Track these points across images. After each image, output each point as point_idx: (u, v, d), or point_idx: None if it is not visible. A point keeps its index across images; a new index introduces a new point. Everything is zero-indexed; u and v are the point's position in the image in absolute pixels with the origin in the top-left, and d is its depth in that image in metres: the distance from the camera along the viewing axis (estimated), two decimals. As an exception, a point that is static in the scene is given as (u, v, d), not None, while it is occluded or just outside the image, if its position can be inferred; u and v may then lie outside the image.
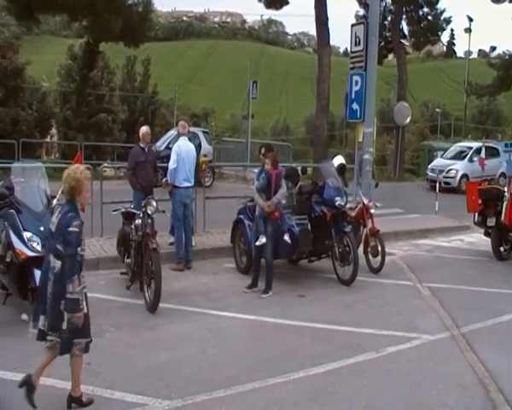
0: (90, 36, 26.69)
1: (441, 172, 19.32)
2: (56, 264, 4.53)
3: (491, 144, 22.75)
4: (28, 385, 4.49)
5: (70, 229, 4.44)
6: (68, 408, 4.61)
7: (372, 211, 9.58)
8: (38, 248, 6.15)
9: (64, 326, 4.52)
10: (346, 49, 14.06)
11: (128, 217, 8.02)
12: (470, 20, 44.96)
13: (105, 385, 4.95)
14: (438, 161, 23.42)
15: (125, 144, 29.67)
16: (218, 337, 6.26)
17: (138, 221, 7.43)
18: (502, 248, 10.83)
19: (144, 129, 9.89)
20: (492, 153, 20.89)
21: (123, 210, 8.19)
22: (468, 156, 22.07)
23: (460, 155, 22.96)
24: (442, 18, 33.43)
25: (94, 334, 6.08)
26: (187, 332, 6.40)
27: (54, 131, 34.15)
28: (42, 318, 4.62)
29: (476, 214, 11.27)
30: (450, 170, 21.43)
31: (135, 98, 40.02)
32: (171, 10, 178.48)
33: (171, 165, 9.08)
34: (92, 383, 4.96)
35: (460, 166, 21.58)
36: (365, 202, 9.62)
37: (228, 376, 5.24)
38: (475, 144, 23.48)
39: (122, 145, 29.88)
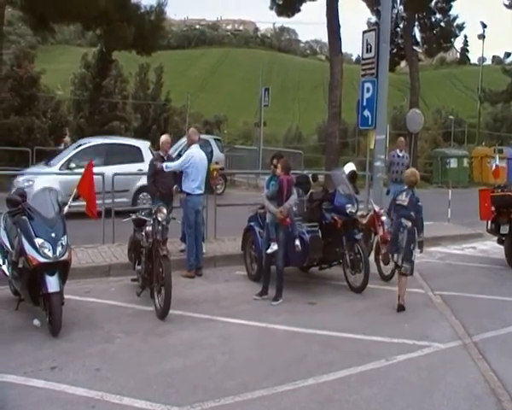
0: (104, 44, 26.94)
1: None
2: (408, 223, 7.63)
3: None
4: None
5: (419, 204, 7.73)
6: None
7: (383, 218, 9.53)
8: (50, 254, 6.20)
9: (413, 258, 7.72)
10: (359, 56, 14.09)
11: (139, 224, 8.05)
12: (484, 26, 44.74)
13: (114, 391, 4.96)
14: None
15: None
16: (228, 345, 6.26)
17: (149, 228, 7.46)
18: (515, 256, 10.72)
19: (163, 138, 10.00)
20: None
21: (134, 217, 8.22)
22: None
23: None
24: (455, 24, 33.27)
25: (104, 340, 6.19)
26: (197, 339, 6.40)
27: (67, 138, 34.39)
28: (395, 255, 7.78)
29: (489, 222, 11.17)
30: None
31: (147, 106, 40.21)
32: (184, 19, 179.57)
33: (177, 165, 9.15)
34: (101, 388, 4.98)
35: None
36: (376, 209, 9.59)
37: (237, 383, 5.23)
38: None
39: (135, 153, 30.04)
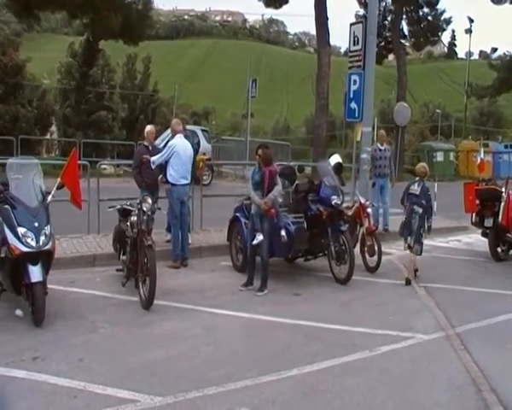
0: (90, 33, 26.75)
1: None
2: (419, 210, 8.72)
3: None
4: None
5: (429, 193, 8.96)
6: None
7: (369, 210, 9.58)
8: (33, 243, 6.14)
9: (422, 240, 8.88)
10: (347, 48, 14.05)
11: (124, 214, 8.01)
12: (471, 21, 44.97)
13: (97, 381, 4.93)
14: None
15: (124, 142, 29.66)
16: (212, 335, 6.26)
17: (134, 218, 7.42)
18: (499, 249, 10.81)
19: (148, 128, 9.97)
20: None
21: (119, 207, 8.17)
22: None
23: None
24: (442, 18, 33.46)
25: (88, 330, 6.16)
26: (181, 330, 6.39)
27: (53, 128, 34.12)
28: (408, 238, 8.84)
29: (474, 215, 11.24)
30: None
31: (135, 96, 39.92)
32: (173, 9, 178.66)
33: (160, 158, 9.10)
34: (84, 378, 4.96)
35: None
36: (362, 201, 9.62)
37: (221, 373, 5.23)
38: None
39: (122, 143, 29.88)
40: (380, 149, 12.40)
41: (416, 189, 8.95)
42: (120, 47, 28.84)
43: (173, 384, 4.97)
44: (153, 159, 9.15)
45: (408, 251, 9.04)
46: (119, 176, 20.85)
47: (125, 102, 38.43)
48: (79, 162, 10.71)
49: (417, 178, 9.10)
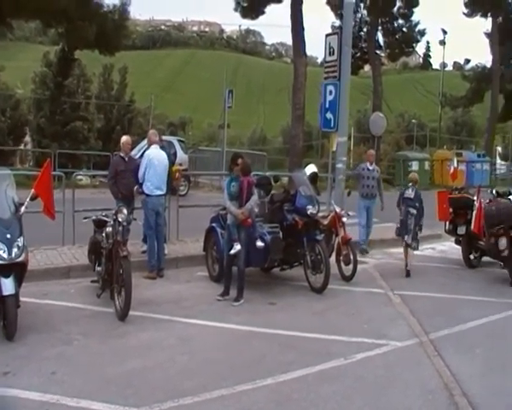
0: (65, 43, 26.54)
1: None
2: (414, 211, 9.99)
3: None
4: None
5: (421, 197, 10.21)
6: None
7: (344, 219, 9.66)
8: (5, 255, 6.07)
9: (418, 237, 10.21)
10: (323, 59, 14.21)
11: (99, 225, 7.96)
12: (444, 32, 45.91)
13: (71, 394, 4.88)
14: None
15: (100, 153, 29.46)
16: (188, 345, 6.25)
17: (109, 229, 7.38)
18: (471, 256, 11.01)
19: (124, 139, 9.96)
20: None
21: (94, 218, 8.13)
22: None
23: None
24: (417, 30, 34.10)
25: (61, 343, 6.09)
26: (157, 340, 6.36)
27: (28, 138, 33.75)
28: (406, 236, 10.04)
29: (447, 223, 11.43)
30: None
31: (111, 107, 39.73)
32: (149, 19, 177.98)
33: (141, 172, 9.09)
34: (57, 392, 4.90)
35: None
36: (337, 210, 9.71)
37: (196, 383, 5.22)
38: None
39: (98, 154, 29.66)
40: (368, 169, 11.92)
41: (410, 193, 10.26)
42: (96, 57, 28.70)
43: (148, 395, 4.94)
44: (140, 176, 9.12)
45: (402, 249, 10.38)
46: (95, 187, 20.69)
47: (100, 112, 38.22)
48: (54, 173, 10.65)
49: (410, 184, 10.44)
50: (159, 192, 9.16)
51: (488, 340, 6.84)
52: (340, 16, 29.82)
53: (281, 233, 8.74)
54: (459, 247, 11.27)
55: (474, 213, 10.26)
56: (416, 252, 10.68)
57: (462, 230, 10.93)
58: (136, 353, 5.96)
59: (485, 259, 10.77)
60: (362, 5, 32.25)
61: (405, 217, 10.17)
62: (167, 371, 5.50)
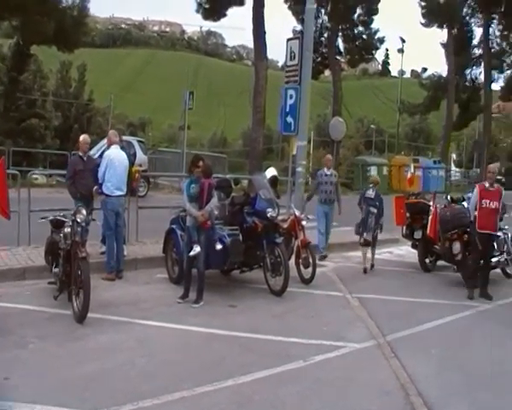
0: (20, 37, 25.88)
1: None
2: (374, 210, 10.60)
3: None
4: None
5: (381, 197, 10.93)
6: None
7: (304, 223, 9.75)
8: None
9: (377, 235, 11.04)
10: (284, 63, 14.32)
11: (57, 225, 7.80)
12: (403, 41, 46.96)
13: (25, 399, 4.75)
14: None
15: (57, 151, 28.87)
16: (147, 347, 6.19)
17: (67, 230, 7.25)
18: (427, 260, 11.27)
19: (82, 138, 9.84)
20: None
21: (51, 218, 7.96)
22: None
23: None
24: (376, 37, 34.75)
25: (16, 346, 5.94)
26: (115, 342, 6.28)
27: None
28: (365, 234, 10.68)
29: (404, 227, 11.69)
30: None
31: (69, 105, 39.01)
32: (109, 16, 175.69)
33: (101, 172, 8.98)
34: (9, 398, 4.74)
35: None
36: (297, 213, 9.79)
37: (156, 386, 5.17)
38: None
39: (55, 152, 29.06)
40: (326, 175, 11.73)
41: (371, 194, 10.95)
42: (53, 53, 28.11)
43: (107, 398, 4.88)
44: (99, 177, 9.00)
45: (360, 253, 11.00)
46: (52, 186, 20.26)
47: (58, 110, 37.48)
48: (8, 171, 10.39)
49: (371, 185, 11.15)
50: (119, 193, 9.06)
51: (443, 341, 7.03)
52: (301, 21, 30.13)
53: (241, 236, 8.74)
54: (415, 251, 11.53)
55: (430, 218, 10.53)
56: (376, 256, 10.97)
57: (418, 234, 11.20)
58: (95, 355, 5.87)
59: (440, 263, 11.06)
60: (323, 11, 32.67)
61: (366, 216, 10.80)
62: (126, 374, 5.44)
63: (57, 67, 40.18)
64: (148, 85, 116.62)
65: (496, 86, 41.47)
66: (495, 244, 9.93)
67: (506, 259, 10.48)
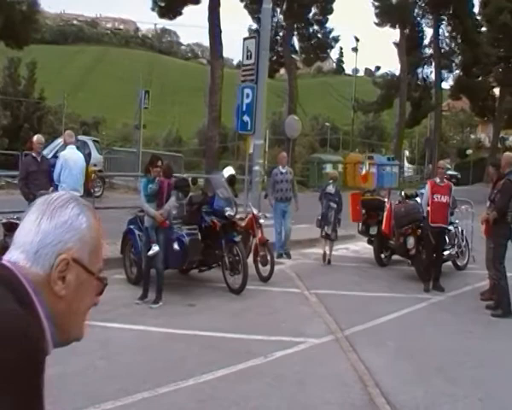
0: (-37, 31, 25.06)
1: None
2: (334, 205, 11.13)
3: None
4: None
5: (341, 193, 11.40)
6: None
7: (261, 221, 9.84)
8: None
9: (337, 229, 11.37)
10: (240, 61, 14.43)
11: (11, 228, 7.64)
12: (357, 40, 47.76)
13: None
14: None
15: (6, 152, 28.08)
16: (106, 349, 6.14)
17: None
18: (382, 255, 11.54)
19: (35, 138, 9.67)
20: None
21: (4, 221, 7.80)
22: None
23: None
24: (331, 36, 35.21)
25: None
26: (75, 345, 6.02)
27: None
28: (326, 227, 11.06)
29: (360, 224, 11.93)
30: None
31: (18, 103, 37.91)
32: (60, 12, 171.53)
33: (56, 173, 8.85)
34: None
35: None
36: (255, 212, 9.87)
37: (117, 388, 5.15)
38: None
39: (3, 153, 28.24)
40: (281, 173, 11.75)
41: (331, 189, 11.41)
42: (1, 49, 27.34)
43: (68, 402, 4.81)
44: (55, 178, 8.87)
45: (323, 239, 11.46)
46: (1, 187, 19.74)
47: (7, 109, 36.42)
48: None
49: (331, 181, 11.62)
50: (75, 194, 8.92)
51: (399, 333, 7.24)
52: (257, 20, 30.26)
53: (199, 235, 8.78)
54: (371, 247, 11.78)
55: (385, 214, 10.78)
56: (333, 252, 11.16)
57: (373, 230, 11.45)
58: (54, 359, 5.66)
59: (395, 257, 11.33)
60: (278, 10, 32.87)
61: (326, 210, 11.29)
62: (87, 377, 5.39)
63: (5, 63, 39.00)
64: (101, 83, 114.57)
65: (446, 85, 42.70)
66: (446, 238, 10.26)
67: (457, 252, 10.87)
